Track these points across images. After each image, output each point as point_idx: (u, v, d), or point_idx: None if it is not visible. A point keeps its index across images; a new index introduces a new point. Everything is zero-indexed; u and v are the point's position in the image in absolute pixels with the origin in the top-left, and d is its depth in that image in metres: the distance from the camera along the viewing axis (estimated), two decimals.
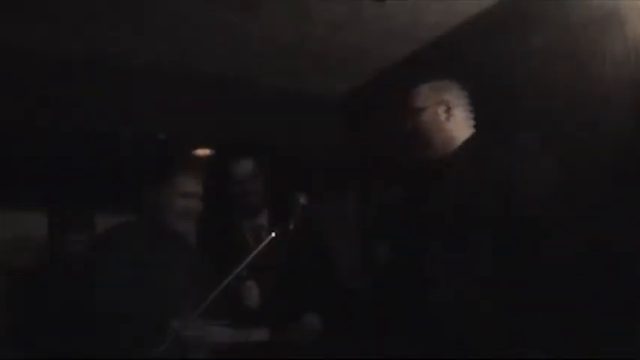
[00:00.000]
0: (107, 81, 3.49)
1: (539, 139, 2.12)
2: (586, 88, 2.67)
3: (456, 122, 2.11)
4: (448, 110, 2.10)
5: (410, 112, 2.14)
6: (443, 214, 1.95)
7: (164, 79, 3.67)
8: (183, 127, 3.63)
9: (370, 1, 3.02)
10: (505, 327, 1.73)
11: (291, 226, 2.20)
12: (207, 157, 3.95)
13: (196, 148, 3.87)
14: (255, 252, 1.98)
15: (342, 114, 4.15)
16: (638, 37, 2.53)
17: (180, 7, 3.06)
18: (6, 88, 3.15)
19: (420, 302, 1.92)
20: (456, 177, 2.00)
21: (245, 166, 2.87)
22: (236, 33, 3.33)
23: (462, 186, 1.95)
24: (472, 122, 2.16)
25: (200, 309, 1.91)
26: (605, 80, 2.60)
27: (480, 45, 3.14)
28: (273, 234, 2.08)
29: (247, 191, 2.81)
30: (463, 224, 1.86)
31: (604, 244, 2.24)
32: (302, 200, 2.26)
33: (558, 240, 1.77)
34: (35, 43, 3.26)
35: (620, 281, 2.23)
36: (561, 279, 1.73)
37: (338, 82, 3.96)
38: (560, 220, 1.81)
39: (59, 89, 3.35)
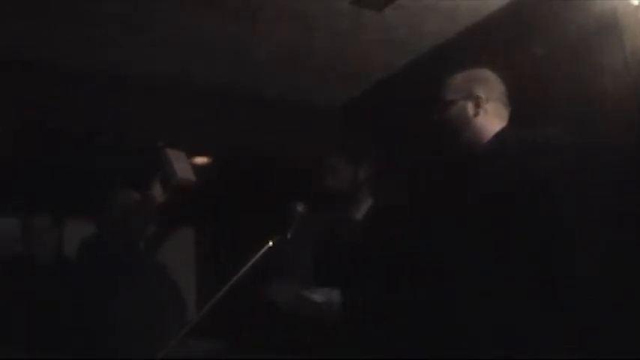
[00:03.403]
0: (105, 94, 3.52)
1: (567, 134, 2.03)
2: (585, 98, 2.68)
3: (486, 117, 1.97)
4: (478, 105, 1.98)
5: (439, 104, 2.04)
6: (466, 212, 1.88)
7: (164, 90, 3.70)
8: (183, 137, 3.65)
9: (369, 11, 3.04)
10: (527, 328, 1.70)
11: (290, 235, 2.20)
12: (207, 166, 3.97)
13: (196, 157, 3.88)
14: (252, 262, 1.98)
15: (343, 123, 4.17)
16: (634, 45, 2.54)
17: (181, 17, 3.08)
18: None
19: (438, 301, 1.90)
20: (480, 174, 1.91)
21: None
22: (236, 43, 3.36)
23: (485, 183, 1.87)
24: (506, 115, 2.03)
25: (197, 319, 1.91)
26: (604, 90, 2.61)
27: (478, 54, 3.15)
28: (271, 243, 2.08)
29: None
30: (486, 223, 1.79)
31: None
32: (300, 209, 2.26)
33: (586, 239, 1.73)
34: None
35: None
36: (588, 277, 1.71)
37: (338, 91, 3.98)
38: (585, 220, 1.77)
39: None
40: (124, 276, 2.59)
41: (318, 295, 2.32)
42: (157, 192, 2.50)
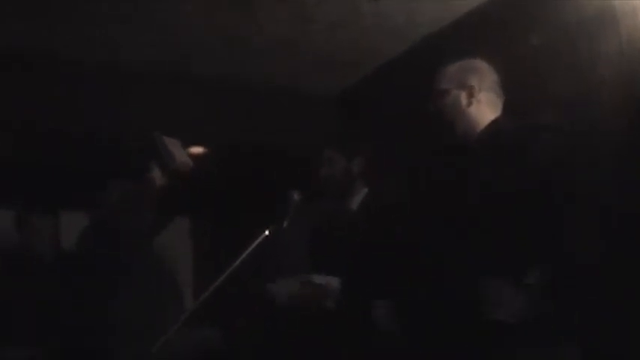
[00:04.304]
0: (100, 83, 3.51)
1: (563, 122, 2.05)
2: (581, 86, 2.68)
3: (479, 107, 2.00)
4: (471, 95, 2.01)
5: (433, 94, 2.07)
6: (462, 201, 1.89)
7: (160, 80, 3.69)
8: (180, 127, 3.64)
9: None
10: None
11: (285, 224, 2.21)
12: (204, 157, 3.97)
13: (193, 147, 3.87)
14: (248, 250, 1.99)
15: (339, 112, 4.16)
16: (631, 35, 2.54)
17: (178, 7, 3.07)
18: None
19: (437, 290, 1.91)
20: (476, 163, 1.94)
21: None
22: (233, 32, 3.34)
23: (481, 172, 1.89)
24: (500, 105, 2.05)
25: (193, 309, 1.92)
26: (600, 78, 2.61)
27: (474, 42, 3.14)
28: (267, 232, 2.09)
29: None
30: (482, 211, 1.81)
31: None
32: (296, 197, 2.27)
33: (584, 223, 1.75)
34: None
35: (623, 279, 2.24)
36: (586, 265, 1.73)
37: (335, 80, 3.97)
38: (583, 203, 1.78)
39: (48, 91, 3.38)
40: (123, 267, 2.61)
41: (319, 278, 2.34)
42: (157, 175, 2.54)
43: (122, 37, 3.31)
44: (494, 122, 2.00)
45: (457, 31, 3.27)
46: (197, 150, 3.90)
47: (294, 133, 3.94)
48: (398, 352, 2.11)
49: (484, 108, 2.02)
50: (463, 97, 2.01)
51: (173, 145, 2.60)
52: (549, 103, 2.77)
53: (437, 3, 3.12)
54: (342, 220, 2.55)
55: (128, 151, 3.47)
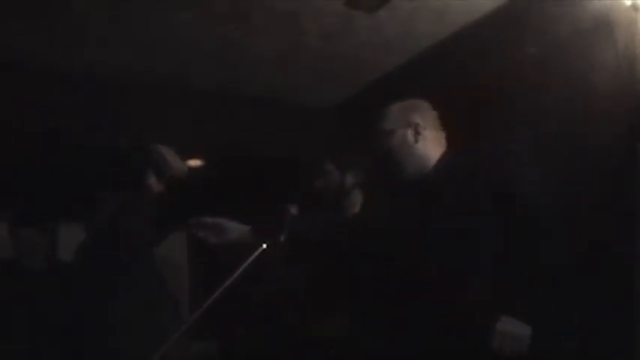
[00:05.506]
0: (95, 93, 3.53)
1: (524, 143, 2.09)
2: (577, 96, 2.69)
3: (426, 143, 2.07)
4: (417, 132, 2.06)
5: (380, 134, 2.12)
6: (423, 234, 1.93)
7: (161, 90, 3.71)
8: (180, 137, 3.66)
9: (361, 12, 3.05)
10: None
11: (282, 238, 2.20)
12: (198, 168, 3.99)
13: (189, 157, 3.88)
14: (245, 265, 1.99)
15: (337, 123, 4.18)
16: (627, 45, 2.56)
17: (173, 19, 3.09)
18: None
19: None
20: (435, 194, 1.97)
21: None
22: (228, 44, 3.36)
23: (442, 202, 1.92)
24: (444, 140, 2.12)
25: (190, 322, 1.91)
26: (597, 88, 2.63)
27: (469, 55, 3.17)
28: (265, 246, 2.09)
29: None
30: (445, 240, 1.86)
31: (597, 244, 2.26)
32: (293, 211, 2.27)
33: (552, 242, 1.78)
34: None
35: (618, 281, 2.27)
36: (558, 283, 1.74)
37: (330, 92, 3.98)
38: (551, 223, 1.82)
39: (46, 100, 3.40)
40: (123, 267, 2.64)
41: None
42: (153, 182, 2.59)
43: (121, 47, 3.32)
44: (447, 154, 2.06)
45: (454, 43, 3.29)
46: (194, 161, 3.93)
47: (290, 144, 3.95)
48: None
49: (430, 144, 2.07)
50: (410, 135, 2.07)
51: (169, 153, 2.68)
52: (544, 113, 2.80)
53: (431, 16, 3.14)
54: (338, 231, 2.56)
55: (126, 160, 3.49)
